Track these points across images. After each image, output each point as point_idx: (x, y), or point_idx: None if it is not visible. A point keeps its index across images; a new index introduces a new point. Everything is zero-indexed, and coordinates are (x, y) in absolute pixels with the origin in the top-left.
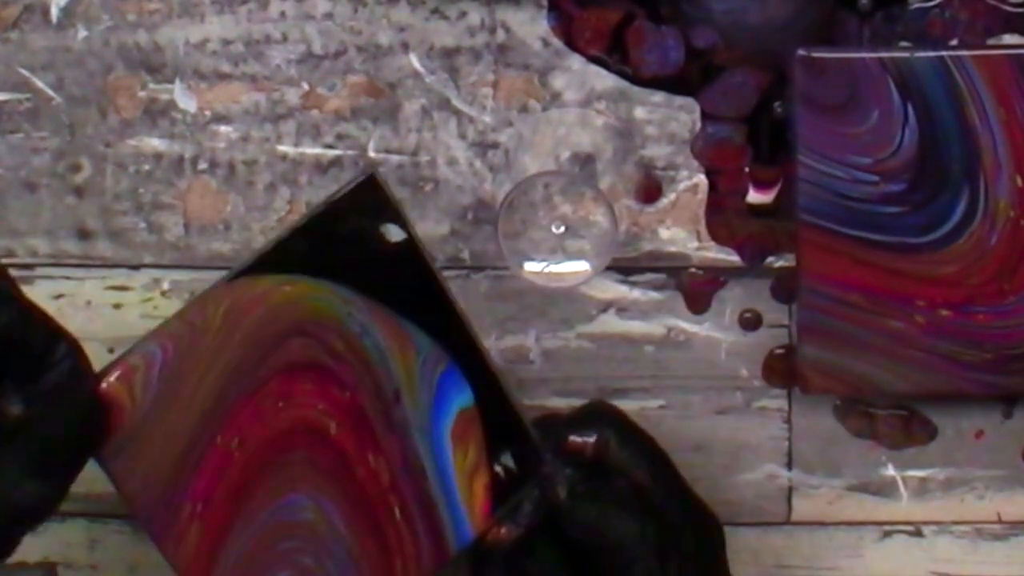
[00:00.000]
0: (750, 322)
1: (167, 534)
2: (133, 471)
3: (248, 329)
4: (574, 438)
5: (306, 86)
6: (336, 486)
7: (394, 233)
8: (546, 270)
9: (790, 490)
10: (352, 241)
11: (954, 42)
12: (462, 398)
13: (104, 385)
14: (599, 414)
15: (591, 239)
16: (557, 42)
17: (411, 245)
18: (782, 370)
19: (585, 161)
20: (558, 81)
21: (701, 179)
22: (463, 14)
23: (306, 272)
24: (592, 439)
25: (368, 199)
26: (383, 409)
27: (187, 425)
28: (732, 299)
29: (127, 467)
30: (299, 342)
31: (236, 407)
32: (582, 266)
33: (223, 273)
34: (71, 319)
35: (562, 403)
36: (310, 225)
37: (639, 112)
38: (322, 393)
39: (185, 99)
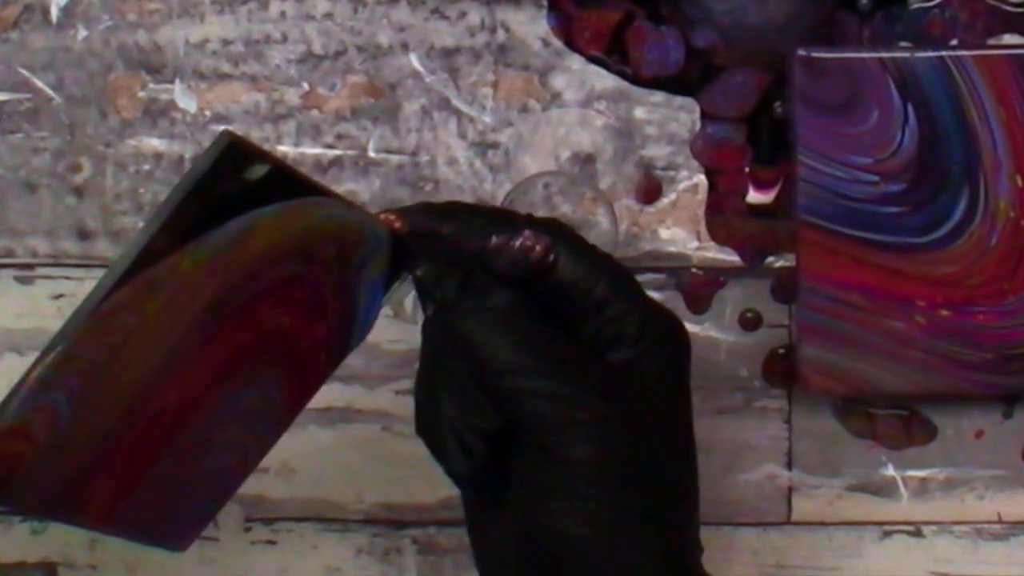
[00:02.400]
0: (750, 322)
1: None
2: (36, 492)
3: (208, 297)
4: (528, 233)
5: (306, 86)
6: (280, 367)
7: (258, 170)
8: None
9: (790, 490)
10: (227, 202)
11: (954, 42)
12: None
13: None
14: (557, 227)
15: (591, 239)
16: (557, 42)
17: (277, 170)
18: (782, 370)
19: (585, 161)
20: (558, 81)
21: (701, 179)
22: (463, 14)
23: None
24: (543, 244)
25: (232, 162)
26: (339, 278)
27: (112, 421)
28: (732, 299)
29: (29, 492)
30: (273, 271)
31: (181, 371)
32: None
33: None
34: None
35: None
36: (180, 208)
37: (639, 112)
38: (283, 300)
39: (185, 99)
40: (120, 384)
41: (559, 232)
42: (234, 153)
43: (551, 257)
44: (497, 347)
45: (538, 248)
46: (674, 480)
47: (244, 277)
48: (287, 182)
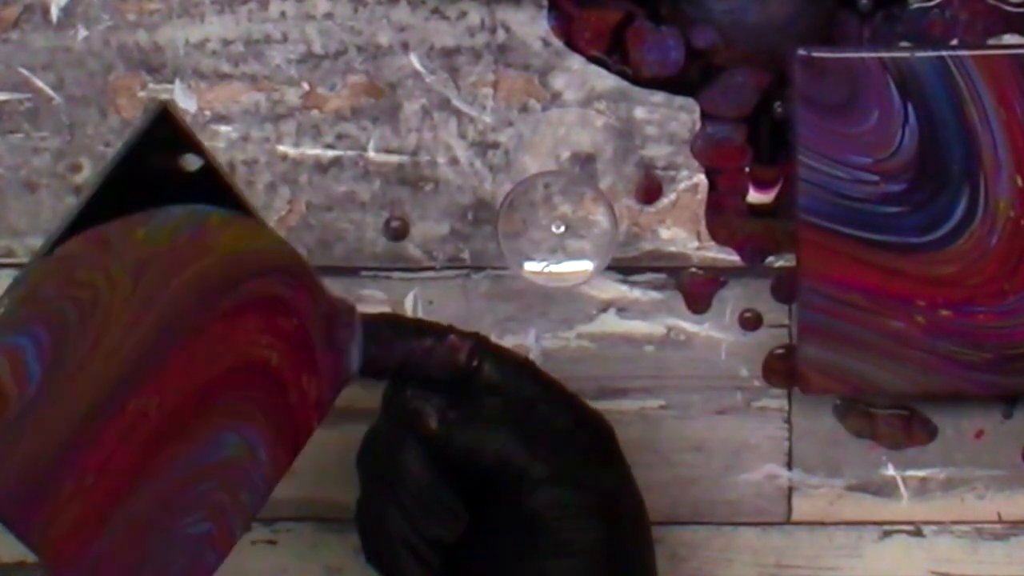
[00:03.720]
0: (750, 322)
1: (32, 520)
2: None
3: (184, 281)
4: (452, 338)
5: (306, 86)
6: (265, 414)
7: (193, 162)
8: (546, 270)
9: (790, 490)
10: (157, 177)
11: (954, 42)
12: None
13: None
14: (476, 335)
15: (591, 239)
16: (557, 42)
17: (209, 169)
18: (782, 370)
19: (585, 161)
20: (558, 81)
21: (701, 179)
22: (463, 14)
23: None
24: (467, 348)
25: (164, 134)
26: (327, 329)
27: (85, 401)
28: (732, 299)
29: None
30: (256, 282)
31: (159, 366)
32: (582, 266)
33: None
34: None
35: None
36: (116, 172)
37: (639, 112)
38: (268, 326)
39: (185, 99)
40: (94, 359)
41: (480, 340)
42: (167, 125)
43: (476, 360)
44: (505, 443)
45: (463, 350)
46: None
47: (219, 272)
48: (214, 185)
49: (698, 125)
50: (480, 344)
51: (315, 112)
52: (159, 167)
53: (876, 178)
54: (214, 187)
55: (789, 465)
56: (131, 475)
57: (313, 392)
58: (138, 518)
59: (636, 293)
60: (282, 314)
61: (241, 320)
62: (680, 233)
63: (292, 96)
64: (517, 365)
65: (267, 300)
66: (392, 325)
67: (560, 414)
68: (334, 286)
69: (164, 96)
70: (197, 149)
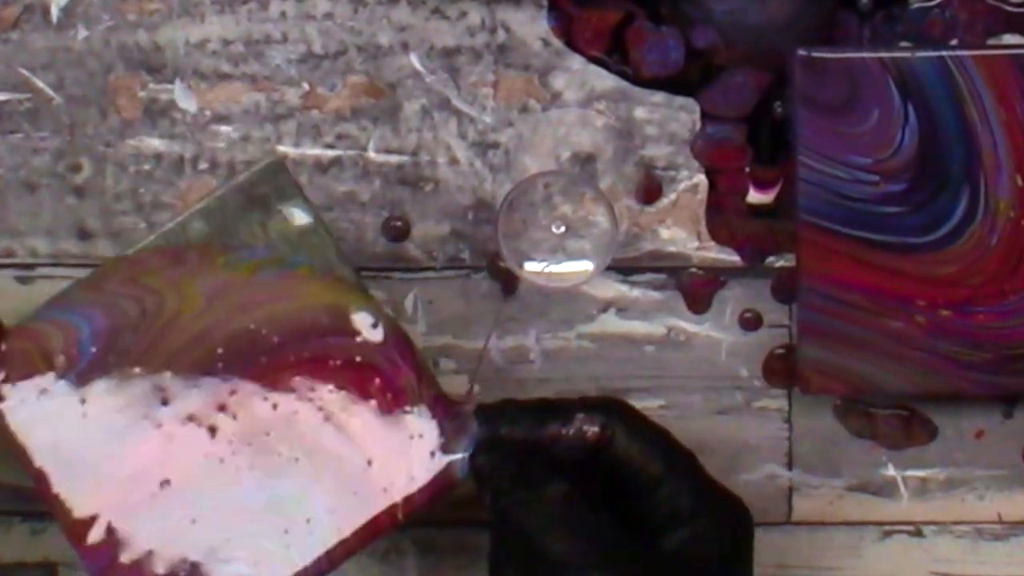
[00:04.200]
0: (750, 322)
1: (59, 490)
2: (39, 426)
3: (264, 317)
4: (580, 417)
5: (306, 86)
6: (337, 479)
7: (298, 216)
8: (546, 270)
9: (790, 490)
10: (253, 222)
11: (954, 42)
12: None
13: (5, 346)
14: (608, 404)
15: (591, 239)
16: (557, 42)
17: (317, 228)
18: (782, 370)
19: (585, 161)
20: (558, 81)
21: (701, 179)
22: (463, 14)
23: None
24: (597, 426)
25: (272, 182)
26: (430, 408)
27: (139, 399)
28: (732, 299)
29: (33, 420)
30: (340, 340)
31: (226, 387)
32: (582, 266)
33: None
34: None
35: None
36: (217, 204)
37: (639, 112)
38: (345, 385)
39: (185, 99)
40: (148, 358)
41: (613, 410)
42: (278, 175)
43: (607, 436)
44: (549, 539)
45: (591, 431)
46: None
47: (300, 319)
48: (317, 245)
49: (698, 125)
50: (612, 418)
51: (315, 112)
52: (261, 214)
53: (876, 178)
54: (316, 244)
55: (789, 465)
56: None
57: (402, 473)
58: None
59: (636, 293)
60: (373, 384)
61: (322, 375)
62: (680, 233)
63: (292, 96)
64: (650, 440)
65: (358, 365)
66: (513, 411)
67: (683, 497)
68: None
69: (165, 97)
70: (305, 206)
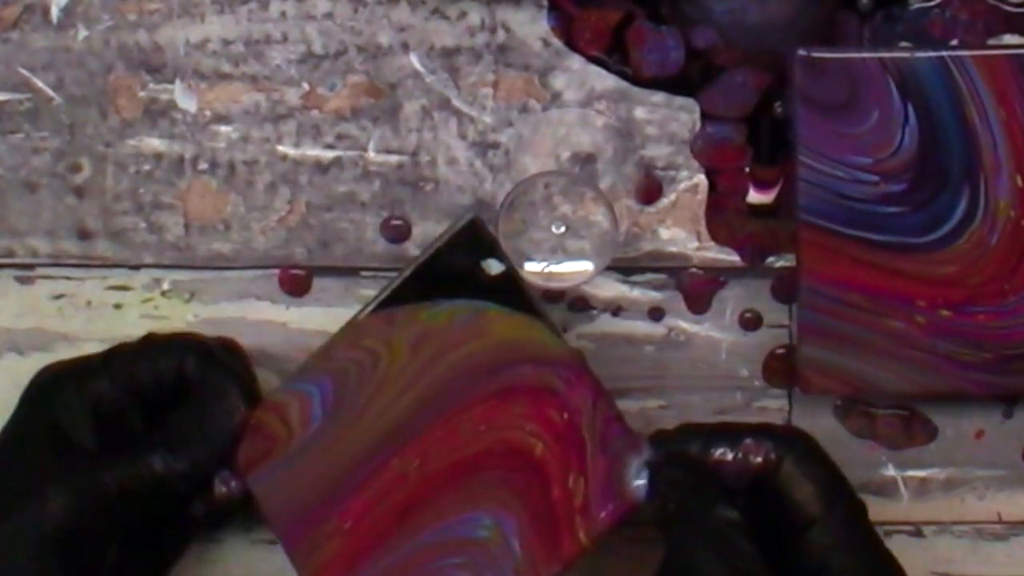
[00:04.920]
0: (750, 322)
1: (301, 542)
2: (279, 494)
3: (459, 358)
4: (748, 443)
5: (306, 86)
6: (524, 505)
7: (494, 267)
8: (546, 270)
9: None
10: (456, 277)
11: (954, 42)
12: None
13: (254, 420)
14: (786, 432)
15: (591, 239)
16: (557, 42)
17: (511, 276)
18: (782, 370)
19: (585, 161)
20: (558, 81)
21: (701, 179)
22: (463, 14)
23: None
24: (763, 452)
25: (470, 241)
26: (603, 433)
27: (355, 452)
28: (732, 299)
29: (273, 488)
30: (529, 368)
31: (424, 432)
32: (582, 266)
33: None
34: (71, 319)
35: None
36: (424, 266)
37: (639, 112)
38: (536, 415)
39: (185, 99)
40: (367, 416)
41: (789, 440)
42: (474, 233)
43: (772, 463)
44: (705, 558)
45: (757, 457)
46: None
47: (490, 354)
48: (512, 292)
49: (698, 125)
50: (785, 447)
51: (315, 112)
52: (463, 270)
53: (876, 178)
54: (513, 291)
55: None
56: (384, 532)
57: (580, 494)
58: (384, 572)
59: (636, 293)
60: (552, 406)
61: (508, 403)
62: (680, 233)
63: (292, 96)
64: (817, 478)
65: (537, 389)
66: (685, 434)
67: (835, 551)
68: (334, 286)
69: (165, 97)
70: (500, 257)
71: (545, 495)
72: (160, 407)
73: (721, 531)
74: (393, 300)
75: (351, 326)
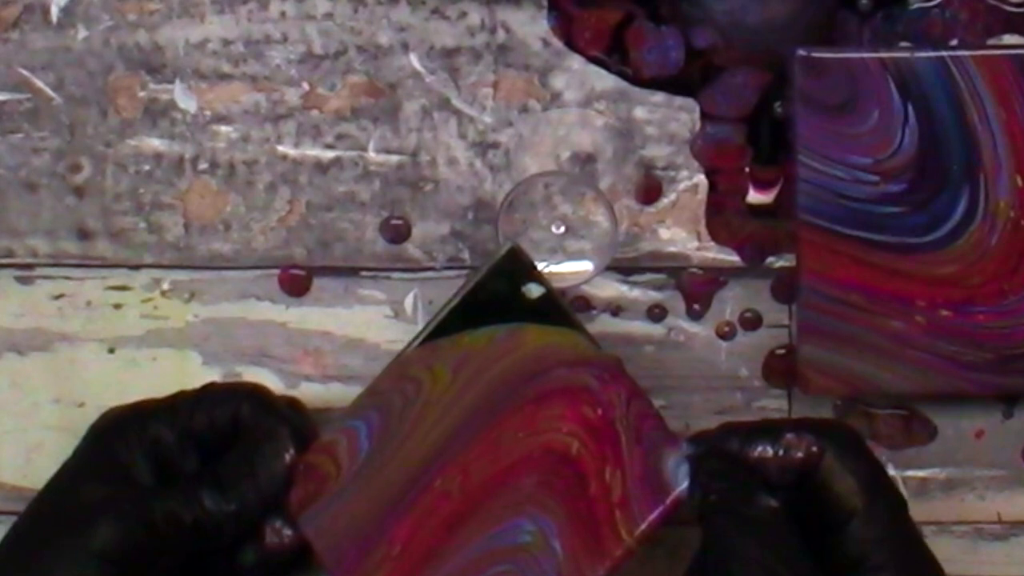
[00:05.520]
0: (750, 322)
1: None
2: (329, 529)
3: (497, 373)
4: (789, 437)
5: (306, 86)
6: (564, 505)
7: (534, 290)
8: (546, 270)
9: None
10: (498, 304)
11: (954, 42)
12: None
13: (305, 462)
14: (829, 426)
15: (591, 239)
16: (557, 42)
17: (550, 297)
18: (782, 370)
19: (585, 161)
20: (558, 81)
21: (701, 179)
22: (463, 14)
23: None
24: (804, 447)
25: (510, 270)
26: (637, 425)
27: (400, 478)
28: (732, 299)
29: (324, 526)
30: (564, 371)
31: (466, 448)
32: (582, 266)
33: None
34: (71, 319)
35: None
36: (466, 298)
37: (639, 112)
38: (571, 415)
39: (185, 99)
40: (411, 441)
41: (832, 433)
42: (514, 261)
43: (814, 457)
44: (746, 546)
45: (798, 452)
46: None
47: (527, 361)
48: (552, 312)
49: (698, 125)
50: (827, 440)
51: (315, 112)
52: (504, 296)
53: (876, 178)
54: (552, 311)
55: None
56: (431, 551)
57: (618, 488)
58: None
59: (636, 293)
60: (586, 403)
61: (544, 408)
62: (680, 233)
63: (292, 96)
64: (858, 472)
65: (572, 389)
66: (726, 432)
67: (873, 545)
68: (334, 286)
69: (165, 96)
70: (539, 280)
71: (583, 492)
72: (216, 453)
73: (762, 518)
74: (438, 333)
75: (397, 361)
